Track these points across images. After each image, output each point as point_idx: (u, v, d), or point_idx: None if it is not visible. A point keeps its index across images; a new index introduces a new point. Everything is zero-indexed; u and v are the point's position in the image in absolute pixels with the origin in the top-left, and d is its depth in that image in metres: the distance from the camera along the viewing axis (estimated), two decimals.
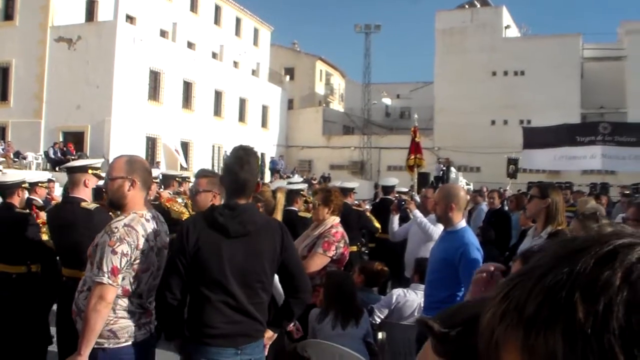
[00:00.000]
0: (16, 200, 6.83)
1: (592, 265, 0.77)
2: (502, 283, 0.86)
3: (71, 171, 5.87)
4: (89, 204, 5.66)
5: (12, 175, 7.63)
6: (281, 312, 4.32)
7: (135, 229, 3.91)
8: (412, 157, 17.97)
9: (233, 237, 3.92)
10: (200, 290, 3.89)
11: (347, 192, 10.81)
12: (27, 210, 7.10)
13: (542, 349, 0.75)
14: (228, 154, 4.28)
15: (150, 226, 4.03)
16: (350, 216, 9.62)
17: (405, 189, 14.15)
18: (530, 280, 0.81)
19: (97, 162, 5.96)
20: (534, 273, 0.82)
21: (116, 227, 3.89)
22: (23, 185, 6.96)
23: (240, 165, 4.04)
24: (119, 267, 3.77)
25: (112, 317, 3.83)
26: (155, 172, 10.48)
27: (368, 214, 11.18)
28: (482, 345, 0.86)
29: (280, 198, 6.09)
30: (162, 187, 11.21)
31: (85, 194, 5.70)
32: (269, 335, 4.21)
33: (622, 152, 32.25)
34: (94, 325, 3.70)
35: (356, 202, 11.41)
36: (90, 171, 5.74)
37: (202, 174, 5.56)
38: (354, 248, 9.59)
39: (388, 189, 12.27)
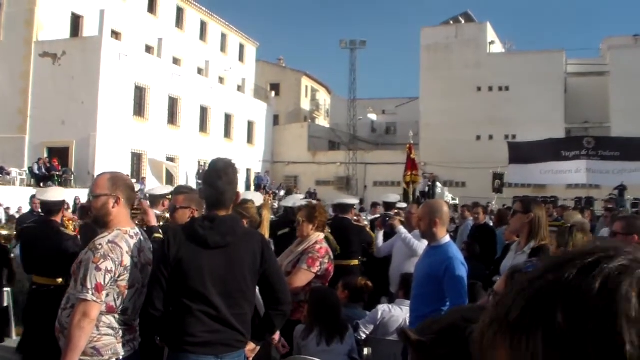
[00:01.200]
0: (59, 218, 7.23)
1: (575, 274, 0.80)
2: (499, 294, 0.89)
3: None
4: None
5: (55, 194, 7.83)
6: (262, 324, 4.29)
7: (119, 246, 3.88)
8: (409, 173, 18.10)
9: (213, 248, 3.92)
10: (181, 300, 3.88)
11: (348, 208, 10.81)
12: (71, 230, 7.46)
13: (526, 353, 0.79)
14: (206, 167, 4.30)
15: (134, 243, 4.01)
16: (351, 231, 9.72)
17: (404, 205, 14.12)
18: (518, 288, 0.85)
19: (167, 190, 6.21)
20: (523, 284, 0.85)
21: (100, 244, 3.86)
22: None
23: (219, 177, 4.06)
24: (103, 283, 3.74)
25: (95, 334, 3.79)
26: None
27: (368, 229, 11.11)
28: (476, 352, 0.89)
29: (266, 215, 6.08)
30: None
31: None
32: (251, 347, 4.20)
33: (607, 167, 32.48)
34: (77, 342, 3.66)
35: (355, 217, 11.48)
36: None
37: (179, 190, 5.64)
38: (356, 262, 9.68)
39: (389, 205, 12.28)
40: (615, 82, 44.96)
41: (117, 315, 3.91)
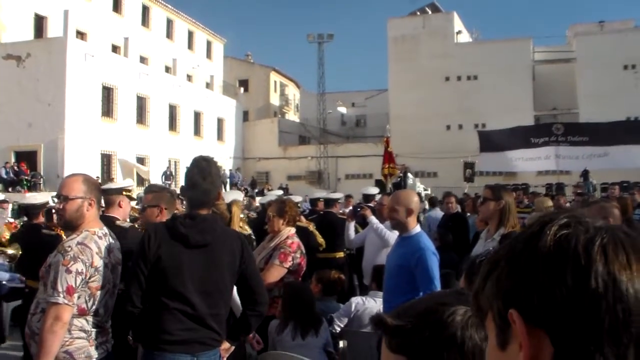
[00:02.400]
0: (40, 221, 7.33)
1: (520, 234, 1.01)
2: None
3: (107, 193, 5.97)
4: (123, 222, 5.72)
5: (38, 197, 7.89)
6: (238, 324, 4.29)
7: (89, 247, 3.84)
8: (387, 166, 18.31)
9: (193, 246, 3.91)
10: (158, 298, 3.86)
11: (332, 202, 11.61)
12: (53, 231, 7.35)
13: (487, 297, 1.00)
14: (188, 166, 4.23)
15: (104, 243, 3.97)
16: (337, 224, 10.18)
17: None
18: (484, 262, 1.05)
19: (130, 185, 6.21)
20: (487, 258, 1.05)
21: (69, 246, 3.82)
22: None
23: (203, 177, 4.04)
24: (74, 286, 3.70)
25: (67, 337, 3.73)
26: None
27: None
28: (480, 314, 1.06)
29: (236, 211, 6.04)
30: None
31: (119, 214, 5.79)
32: (226, 347, 4.18)
33: (576, 152, 32.79)
34: (49, 347, 3.60)
35: (340, 211, 11.95)
36: (124, 193, 5.90)
37: (148, 189, 5.66)
38: (341, 254, 10.17)
39: (369, 198, 12.55)
40: (581, 68, 45.41)
41: (89, 318, 3.86)
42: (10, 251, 5.81)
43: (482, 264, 1.06)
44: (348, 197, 16.51)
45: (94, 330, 3.89)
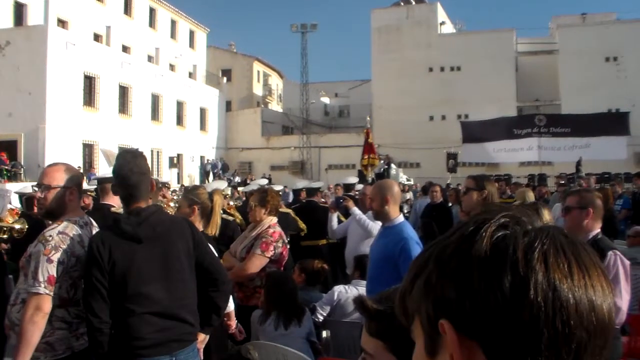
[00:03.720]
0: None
1: (450, 234, 0.95)
2: None
3: (102, 182, 6.10)
4: (118, 209, 5.65)
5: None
6: (207, 309, 4.17)
7: (70, 236, 3.81)
8: (366, 157, 18.48)
9: (145, 242, 3.79)
10: (123, 304, 3.71)
11: (314, 191, 11.83)
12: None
13: (415, 301, 0.96)
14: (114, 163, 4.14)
15: (85, 232, 3.95)
16: (319, 211, 10.41)
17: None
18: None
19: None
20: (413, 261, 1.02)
21: (50, 236, 3.78)
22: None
23: (130, 169, 3.91)
24: (55, 275, 3.66)
25: (48, 328, 3.69)
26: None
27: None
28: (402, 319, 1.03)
29: (217, 200, 6.00)
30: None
31: (114, 201, 5.85)
32: (201, 338, 4.14)
33: (558, 143, 33.08)
34: (30, 338, 3.56)
35: (322, 199, 12.23)
36: None
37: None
38: (324, 241, 10.27)
39: (349, 187, 12.96)
40: (564, 60, 45.62)
41: (70, 308, 3.83)
42: (17, 225, 5.76)
43: None
44: (337, 185, 17.02)
45: (75, 320, 3.85)
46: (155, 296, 3.77)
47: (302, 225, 10.05)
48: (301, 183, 13.21)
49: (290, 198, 16.61)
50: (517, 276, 0.84)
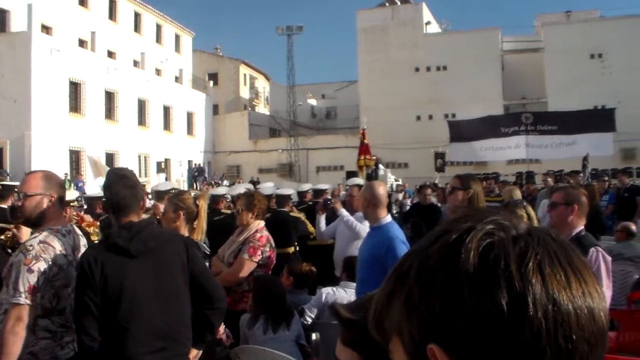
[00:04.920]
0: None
1: (430, 243, 0.87)
2: None
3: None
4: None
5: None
6: (201, 326, 4.11)
7: (51, 245, 3.75)
8: (362, 158, 18.60)
9: (136, 256, 3.70)
10: (116, 322, 3.61)
11: (320, 192, 12.37)
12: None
13: (394, 320, 0.88)
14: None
15: (67, 241, 3.89)
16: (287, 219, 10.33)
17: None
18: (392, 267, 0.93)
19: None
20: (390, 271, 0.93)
21: (31, 245, 3.71)
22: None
23: (115, 183, 3.90)
24: (36, 285, 3.60)
25: (32, 339, 3.63)
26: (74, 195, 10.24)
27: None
28: (374, 333, 0.97)
29: (203, 205, 5.96)
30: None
31: None
32: (194, 354, 4.07)
33: (545, 141, 33.15)
34: (11, 349, 3.50)
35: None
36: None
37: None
38: (332, 241, 10.02)
39: (318, 192, 12.89)
40: (549, 57, 45.83)
41: (54, 318, 3.77)
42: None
43: None
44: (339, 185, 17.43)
45: (60, 330, 3.81)
46: (149, 313, 3.69)
47: (312, 229, 10.18)
48: (287, 185, 13.41)
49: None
50: (513, 291, 0.78)
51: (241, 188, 11.44)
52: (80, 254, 3.90)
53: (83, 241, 4.08)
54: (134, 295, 3.66)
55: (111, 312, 3.63)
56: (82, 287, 3.63)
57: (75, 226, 4.29)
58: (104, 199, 4.16)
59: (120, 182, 3.90)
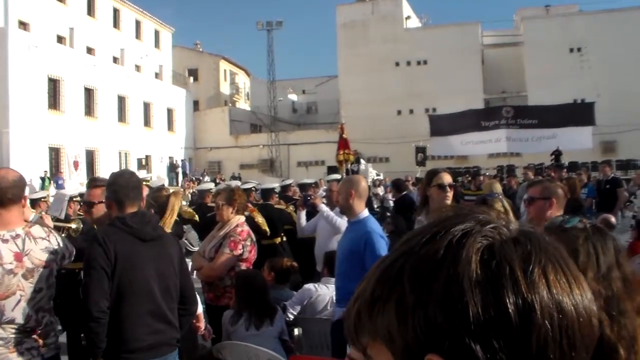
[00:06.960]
0: None
1: (422, 244, 0.82)
2: None
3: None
4: None
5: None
6: None
7: None
8: (341, 152, 18.67)
9: (148, 240, 3.87)
10: (125, 300, 3.71)
11: (306, 186, 12.73)
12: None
13: (381, 326, 0.82)
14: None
15: (10, 246, 3.61)
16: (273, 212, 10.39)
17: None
18: (374, 266, 0.88)
19: (147, 176, 6.08)
20: (379, 261, 0.89)
21: None
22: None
23: (117, 178, 4.09)
24: None
25: None
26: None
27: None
28: (349, 330, 0.88)
29: (173, 201, 5.91)
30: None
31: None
32: None
33: (525, 134, 33.37)
34: None
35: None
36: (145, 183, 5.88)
37: (94, 184, 5.04)
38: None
39: (304, 187, 13.26)
40: (529, 52, 45.98)
41: (5, 326, 3.57)
42: (73, 225, 5.67)
43: None
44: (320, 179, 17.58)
45: (14, 337, 3.61)
46: (154, 296, 3.82)
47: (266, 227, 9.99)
48: (269, 180, 13.67)
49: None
50: (521, 298, 0.75)
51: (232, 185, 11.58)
52: (33, 259, 3.69)
53: (41, 245, 3.79)
54: (144, 278, 3.80)
55: (122, 289, 3.73)
56: (96, 257, 3.70)
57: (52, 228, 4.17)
58: (107, 195, 4.15)
59: (118, 178, 4.10)
